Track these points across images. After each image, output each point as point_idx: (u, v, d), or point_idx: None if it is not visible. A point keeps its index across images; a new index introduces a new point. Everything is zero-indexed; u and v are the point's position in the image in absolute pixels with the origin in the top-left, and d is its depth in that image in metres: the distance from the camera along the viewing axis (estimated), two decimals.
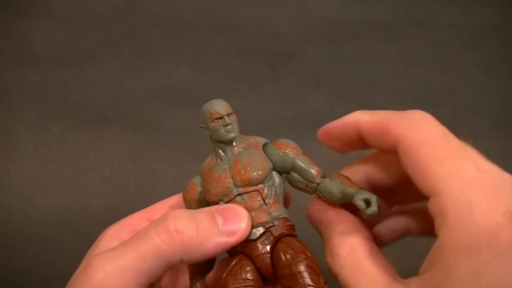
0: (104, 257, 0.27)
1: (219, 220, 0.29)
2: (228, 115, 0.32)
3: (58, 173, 0.65)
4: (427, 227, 0.32)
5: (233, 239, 0.29)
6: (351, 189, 0.30)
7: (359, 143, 0.30)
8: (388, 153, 0.28)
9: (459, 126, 0.70)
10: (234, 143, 0.32)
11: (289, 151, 0.32)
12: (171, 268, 0.28)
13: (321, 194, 0.31)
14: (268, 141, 0.33)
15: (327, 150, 0.64)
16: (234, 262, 0.30)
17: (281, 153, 0.31)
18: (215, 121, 0.31)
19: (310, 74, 0.69)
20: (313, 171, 0.31)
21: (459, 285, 0.21)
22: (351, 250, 0.27)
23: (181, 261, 0.28)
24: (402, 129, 0.26)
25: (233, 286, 0.28)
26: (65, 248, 0.58)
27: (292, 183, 0.32)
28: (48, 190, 0.64)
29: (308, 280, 0.27)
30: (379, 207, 0.28)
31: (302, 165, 0.31)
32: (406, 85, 0.70)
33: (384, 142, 0.27)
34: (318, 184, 0.31)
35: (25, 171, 0.65)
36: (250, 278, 0.29)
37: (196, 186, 0.33)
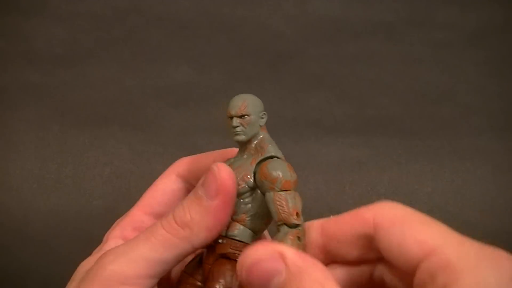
0: (116, 250, 0.28)
1: (201, 191, 0.28)
2: (239, 117, 0.30)
3: (58, 173, 0.65)
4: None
5: (218, 199, 0.28)
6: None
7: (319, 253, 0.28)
8: (353, 246, 0.26)
9: (459, 126, 0.70)
10: (247, 145, 0.30)
11: (265, 181, 0.28)
12: (186, 256, 0.29)
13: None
14: (277, 155, 0.30)
15: (327, 150, 0.65)
16: (194, 260, 0.31)
17: (259, 181, 0.29)
18: (228, 120, 0.30)
19: (310, 74, 0.69)
20: (275, 217, 0.28)
21: None
22: None
23: (195, 248, 0.28)
24: (377, 211, 0.25)
25: (183, 281, 0.30)
26: (65, 248, 0.57)
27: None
28: (48, 190, 0.64)
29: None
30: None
31: (269, 203, 0.28)
32: (406, 85, 0.70)
33: (357, 229, 0.25)
34: (277, 231, 0.28)
35: (25, 171, 0.65)
36: (198, 279, 0.30)
37: None
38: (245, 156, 0.30)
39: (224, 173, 0.28)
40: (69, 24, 0.68)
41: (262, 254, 0.23)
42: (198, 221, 0.28)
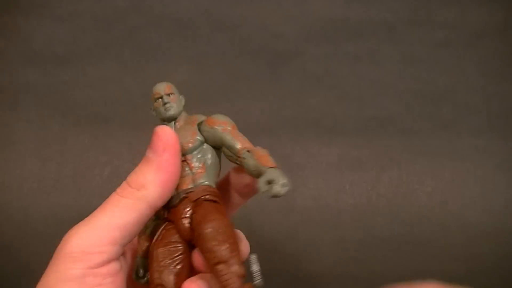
0: (77, 225, 0.29)
1: (149, 152, 0.30)
2: (168, 95, 0.34)
3: (58, 173, 0.65)
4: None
5: (166, 154, 0.30)
6: (262, 167, 0.30)
7: None
8: None
9: (459, 126, 0.70)
10: (176, 122, 0.34)
11: (217, 126, 0.33)
12: (145, 218, 0.30)
13: (244, 169, 0.31)
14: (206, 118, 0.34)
15: (327, 150, 0.65)
16: (160, 229, 0.31)
17: (210, 129, 0.33)
18: (156, 101, 0.34)
19: (310, 74, 0.69)
20: (237, 146, 0.32)
21: None
22: None
23: (153, 208, 0.30)
24: None
25: (158, 249, 0.30)
26: None
27: (227, 157, 0.33)
28: (48, 190, 0.64)
29: (213, 239, 0.28)
30: (283, 187, 0.28)
31: (228, 140, 0.32)
32: (406, 85, 0.70)
33: None
34: (243, 159, 0.31)
35: (25, 171, 0.65)
36: (173, 240, 0.31)
37: None
38: (178, 128, 0.34)
39: (167, 130, 0.31)
40: (69, 24, 0.68)
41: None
42: (152, 179, 0.30)
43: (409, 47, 0.70)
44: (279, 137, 0.68)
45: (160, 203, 0.30)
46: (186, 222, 0.31)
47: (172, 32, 0.69)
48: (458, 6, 0.70)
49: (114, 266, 0.29)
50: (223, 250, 0.27)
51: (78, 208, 0.62)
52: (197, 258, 0.30)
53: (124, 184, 0.30)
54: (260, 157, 0.30)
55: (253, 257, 0.30)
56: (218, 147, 0.33)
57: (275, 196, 0.28)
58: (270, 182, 0.28)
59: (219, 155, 0.33)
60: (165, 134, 0.30)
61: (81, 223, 0.29)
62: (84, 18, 0.68)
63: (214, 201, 0.31)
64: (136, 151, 0.66)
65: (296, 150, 0.66)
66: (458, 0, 0.70)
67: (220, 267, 0.27)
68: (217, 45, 0.69)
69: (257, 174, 0.30)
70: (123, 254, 0.30)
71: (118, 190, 0.30)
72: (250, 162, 0.31)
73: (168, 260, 0.30)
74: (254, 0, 0.69)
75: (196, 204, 0.31)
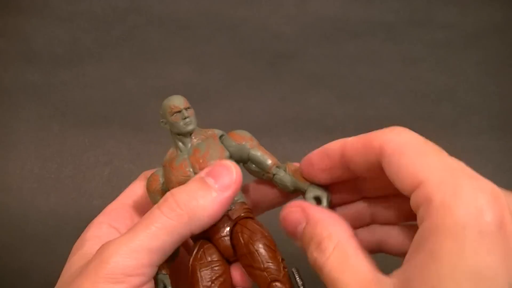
0: (116, 242, 0.28)
1: (210, 181, 0.30)
2: (186, 109, 0.33)
3: (58, 173, 0.65)
4: (394, 216, 0.33)
5: (230, 192, 0.30)
6: (302, 184, 0.33)
7: (341, 170, 0.31)
8: (370, 171, 0.28)
9: (459, 126, 0.70)
10: (192, 136, 0.34)
11: (245, 143, 0.33)
12: (182, 242, 0.30)
13: (276, 184, 0.34)
14: (225, 133, 0.35)
15: None
16: (196, 248, 0.32)
17: (237, 145, 0.33)
18: (175, 114, 0.33)
19: (310, 74, 0.69)
20: (268, 162, 0.34)
21: (440, 267, 0.22)
22: (338, 244, 0.27)
23: (192, 233, 0.30)
24: (385, 137, 0.27)
25: (201, 269, 0.30)
26: (65, 248, 0.57)
27: (250, 172, 0.34)
28: (48, 190, 0.64)
29: (265, 257, 0.29)
30: (329, 203, 0.31)
31: (258, 156, 0.33)
32: (406, 85, 0.70)
33: (368, 155, 0.28)
34: (273, 175, 0.33)
35: (25, 171, 0.65)
36: (215, 259, 0.31)
37: (158, 177, 0.34)
38: (196, 143, 0.34)
39: (238, 169, 0.31)
40: (69, 24, 0.68)
41: (290, 209, 0.30)
42: (204, 207, 0.29)
43: (409, 47, 0.70)
44: (279, 137, 0.68)
45: (199, 231, 0.30)
46: (227, 240, 0.31)
47: (172, 32, 0.69)
48: (458, 6, 0.70)
49: (149, 286, 0.29)
50: (276, 268, 0.29)
51: (78, 208, 0.62)
52: (237, 275, 0.32)
53: (170, 200, 0.30)
54: (296, 173, 0.33)
55: (295, 271, 0.31)
56: (242, 162, 0.34)
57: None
58: (317, 198, 0.31)
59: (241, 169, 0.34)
60: (235, 172, 0.31)
61: (121, 241, 0.28)
62: (84, 18, 0.68)
63: (251, 218, 0.32)
64: (136, 151, 0.66)
65: (296, 150, 0.66)
66: (458, 0, 0.70)
67: (278, 284, 0.29)
68: (217, 45, 0.69)
69: (294, 189, 0.33)
70: None
71: (163, 207, 0.29)
72: (286, 178, 0.33)
73: (212, 279, 0.30)
74: (254, 0, 0.69)
75: (237, 222, 0.31)
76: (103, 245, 0.29)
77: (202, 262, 0.31)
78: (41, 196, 0.63)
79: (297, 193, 0.34)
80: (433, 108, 0.70)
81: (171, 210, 0.29)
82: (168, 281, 0.32)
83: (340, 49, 0.70)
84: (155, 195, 0.34)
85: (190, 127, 0.33)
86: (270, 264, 0.29)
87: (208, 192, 0.30)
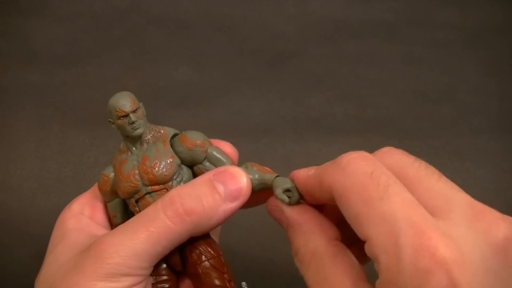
0: (116, 242, 0.27)
1: (220, 188, 0.29)
2: (134, 112, 0.31)
3: (58, 173, 0.65)
4: None
5: (237, 203, 0.29)
6: (269, 176, 0.31)
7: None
8: (332, 204, 0.27)
9: (459, 125, 0.70)
10: (142, 137, 0.32)
11: (197, 148, 0.32)
12: (181, 243, 0.29)
13: None
14: (178, 132, 0.33)
15: (327, 150, 0.65)
16: None
17: (188, 151, 0.32)
18: (121, 118, 0.31)
19: (310, 74, 0.69)
20: (226, 160, 0.32)
21: None
22: (315, 254, 0.26)
23: (191, 236, 0.29)
24: (332, 177, 0.26)
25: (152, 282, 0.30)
26: None
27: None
28: (48, 190, 0.64)
29: (211, 280, 0.29)
30: (299, 194, 0.29)
31: (216, 155, 0.32)
32: (406, 85, 0.70)
33: (323, 194, 0.27)
34: None
35: (25, 171, 0.65)
36: (160, 274, 0.30)
37: (109, 178, 0.33)
38: (146, 146, 0.32)
39: (249, 181, 0.30)
40: (69, 24, 0.68)
41: (272, 207, 0.30)
42: (210, 217, 0.28)
43: (409, 47, 0.70)
44: (279, 137, 0.68)
45: (198, 235, 0.30)
46: (175, 255, 0.30)
47: (172, 32, 0.69)
48: (458, 6, 0.70)
49: (145, 282, 0.29)
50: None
51: None
52: (185, 286, 0.31)
53: (177, 204, 0.28)
54: (261, 168, 0.31)
55: (244, 285, 0.31)
56: (196, 164, 0.32)
57: (297, 202, 0.29)
58: (287, 190, 0.30)
59: (194, 174, 0.32)
60: (246, 183, 0.30)
61: (122, 240, 0.28)
62: (84, 18, 0.68)
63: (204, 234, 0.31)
64: None
65: (296, 150, 0.66)
66: (458, 0, 0.70)
67: None
68: (217, 45, 0.69)
69: (258, 184, 0.31)
70: None
71: (169, 211, 0.28)
72: (249, 172, 0.31)
73: None
74: (254, 0, 0.69)
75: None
76: (99, 241, 0.28)
77: (152, 275, 0.30)
78: (41, 196, 0.63)
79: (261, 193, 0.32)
80: (433, 108, 0.70)
81: (176, 215, 0.28)
82: None
83: (340, 49, 0.70)
84: (106, 195, 0.33)
85: (138, 132, 0.31)
86: (216, 286, 0.29)
87: (216, 199, 0.29)
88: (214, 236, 0.33)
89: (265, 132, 0.66)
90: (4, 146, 0.66)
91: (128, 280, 0.27)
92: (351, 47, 0.70)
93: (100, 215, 0.34)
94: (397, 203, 0.22)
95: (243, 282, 0.31)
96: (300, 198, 0.29)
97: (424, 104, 0.70)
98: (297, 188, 0.29)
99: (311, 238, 0.27)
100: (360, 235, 0.23)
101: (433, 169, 0.26)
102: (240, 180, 0.29)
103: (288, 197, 0.30)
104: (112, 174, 0.32)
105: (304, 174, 0.29)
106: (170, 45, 0.69)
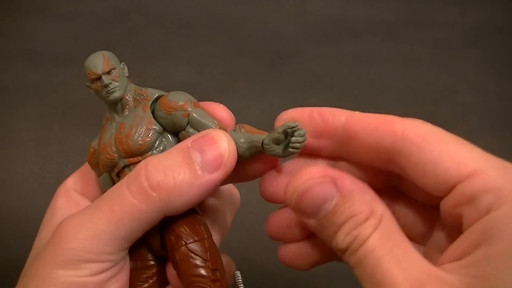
0: (74, 223, 0.24)
1: (196, 156, 0.24)
2: (107, 73, 0.27)
3: (58, 172, 0.65)
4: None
5: (219, 174, 0.24)
6: (258, 136, 0.26)
7: (333, 142, 0.25)
8: (375, 157, 0.24)
9: (459, 125, 0.70)
10: (123, 101, 0.28)
11: (177, 111, 0.27)
12: (154, 224, 0.25)
13: None
14: (163, 94, 0.28)
15: None
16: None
17: (168, 116, 0.27)
18: (94, 82, 0.28)
19: (310, 74, 0.69)
20: (212, 124, 0.26)
21: None
22: (385, 228, 0.21)
23: (165, 215, 0.25)
24: (408, 122, 0.23)
25: (130, 270, 0.27)
26: None
27: None
28: (49, 189, 0.64)
29: (191, 269, 0.24)
30: (303, 135, 0.24)
31: (198, 119, 0.26)
32: (406, 85, 0.70)
33: (383, 139, 0.23)
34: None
35: (25, 170, 0.65)
36: (143, 259, 0.27)
37: (95, 149, 0.29)
38: (127, 113, 0.28)
39: (232, 146, 0.25)
40: (70, 23, 0.68)
41: (315, 179, 0.23)
42: (182, 192, 0.24)
43: (409, 47, 0.70)
44: None
45: (176, 214, 0.25)
46: (156, 239, 0.26)
47: (173, 32, 0.69)
48: (458, 6, 0.70)
49: (116, 269, 0.25)
50: (204, 282, 0.24)
51: None
52: (172, 274, 0.27)
53: (142, 177, 0.24)
54: (251, 129, 0.27)
55: (238, 274, 0.27)
56: (180, 130, 0.27)
57: (299, 144, 0.24)
58: (285, 133, 0.24)
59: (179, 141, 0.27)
60: (229, 149, 0.24)
61: (81, 221, 0.24)
62: (84, 18, 0.68)
63: (189, 213, 0.26)
64: None
65: None
66: (458, 0, 0.70)
67: None
68: (217, 45, 0.69)
69: (248, 147, 0.26)
70: None
71: (132, 186, 0.24)
72: (238, 136, 0.26)
73: (139, 277, 0.27)
74: (254, 0, 0.69)
75: (165, 217, 0.25)
76: (61, 223, 0.24)
77: (132, 259, 0.27)
78: (41, 195, 0.63)
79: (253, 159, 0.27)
80: (433, 108, 0.69)
81: (141, 192, 0.23)
82: None
83: (340, 49, 0.70)
84: (95, 169, 0.29)
85: (114, 96, 0.27)
86: (197, 278, 0.24)
87: (189, 171, 0.24)
88: (219, 231, 0.29)
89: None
90: (4, 146, 0.66)
91: (91, 267, 0.23)
92: (351, 47, 0.70)
93: (92, 189, 0.30)
94: (483, 152, 0.22)
95: (237, 271, 0.27)
96: (304, 140, 0.24)
97: (424, 104, 0.70)
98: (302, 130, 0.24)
99: (378, 209, 0.22)
100: (454, 175, 0.21)
101: None
102: (221, 145, 0.24)
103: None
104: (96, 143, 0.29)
105: (344, 113, 0.25)
106: (170, 45, 0.69)
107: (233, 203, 0.31)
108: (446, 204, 0.22)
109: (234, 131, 0.27)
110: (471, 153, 0.21)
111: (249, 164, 0.27)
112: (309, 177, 0.23)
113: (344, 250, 0.22)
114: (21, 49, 0.67)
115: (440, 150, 0.22)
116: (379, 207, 0.22)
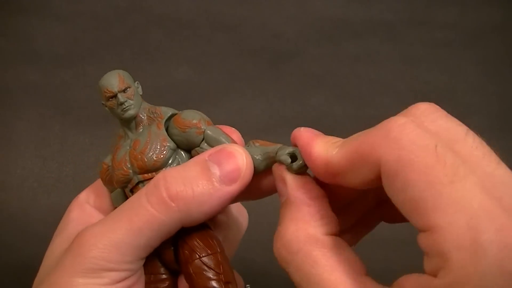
0: (95, 233, 0.25)
1: (215, 169, 0.25)
2: (123, 91, 0.28)
3: (58, 172, 0.65)
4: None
5: (236, 186, 0.25)
6: (272, 147, 0.26)
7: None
8: (368, 186, 0.22)
9: None
10: (137, 118, 0.29)
11: (191, 129, 0.28)
12: (173, 234, 0.26)
13: None
14: (176, 112, 0.29)
15: None
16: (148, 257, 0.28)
17: (182, 133, 0.28)
18: (110, 100, 0.28)
19: (310, 74, 0.69)
20: (226, 141, 0.28)
21: None
22: (304, 246, 0.22)
23: (183, 226, 0.25)
24: (382, 150, 0.20)
25: (146, 281, 0.27)
26: None
27: None
28: (49, 189, 0.64)
29: (203, 281, 0.25)
30: (303, 160, 0.25)
31: (214, 136, 0.27)
32: (405, 85, 0.70)
33: (364, 176, 0.21)
34: None
35: (25, 170, 0.65)
36: (157, 272, 0.27)
37: (107, 166, 0.30)
38: (141, 130, 0.29)
39: (249, 160, 0.25)
40: (70, 24, 0.68)
41: (276, 174, 0.25)
42: (201, 203, 0.24)
43: (409, 47, 0.70)
44: (279, 137, 0.68)
45: (192, 225, 0.25)
46: (170, 252, 0.27)
47: (173, 32, 0.69)
48: (458, 6, 0.70)
49: (134, 278, 0.26)
50: None
51: None
52: (183, 286, 0.27)
53: (161, 188, 0.25)
54: (264, 143, 0.27)
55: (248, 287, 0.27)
56: (194, 147, 0.28)
57: (300, 168, 0.25)
58: (291, 156, 0.25)
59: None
60: (246, 162, 0.25)
61: (101, 230, 0.25)
62: (84, 18, 0.68)
63: (203, 227, 0.27)
64: None
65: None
66: (458, 0, 0.70)
67: None
68: (217, 45, 0.69)
69: (263, 160, 0.26)
70: None
71: (152, 197, 0.25)
72: (252, 150, 0.27)
73: None
74: (254, 0, 0.69)
75: (179, 231, 0.26)
76: (80, 233, 0.25)
77: (147, 274, 0.27)
78: (41, 195, 0.63)
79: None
80: None
81: (160, 202, 0.24)
82: None
83: (340, 49, 0.70)
84: (107, 185, 0.30)
85: (129, 113, 0.28)
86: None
87: (208, 182, 0.25)
88: (229, 248, 0.29)
89: (265, 132, 0.66)
90: (4, 146, 0.66)
91: (110, 276, 0.24)
92: (351, 47, 0.70)
93: (105, 203, 0.31)
94: (471, 190, 0.18)
95: (247, 285, 0.28)
96: (305, 165, 0.25)
97: None
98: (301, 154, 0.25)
99: (306, 228, 0.22)
100: (419, 222, 0.19)
101: (488, 148, 0.22)
102: (238, 159, 0.25)
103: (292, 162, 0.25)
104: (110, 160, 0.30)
105: (322, 151, 0.24)
106: (170, 45, 0.69)
107: (242, 222, 0.32)
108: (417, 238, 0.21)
109: (248, 146, 0.28)
110: (437, 199, 0.18)
111: (265, 177, 0.28)
112: (277, 169, 0.25)
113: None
114: (22, 49, 0.68)
115: (408, 193, 0.19)
116: (305, 232, 0.22)
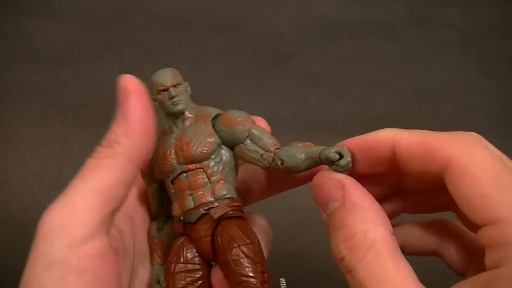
0: (55, 201, 0.25)
1: (117, 108, 0.28)
2: (174, 86, 0.29)
3: (58, 172, 0.65)
4: (428, 208, 0.29)
5: (130, 100, 0.28)
6: (315, 148, 0.27)
7: (387, 165, 0.26)
8: (426, 179, 0.25)
9: (459, 125, 0.70)
10: (184, 115, 0.30)
11: (237, 125, 0.29)
12: (131, 177, 0.26)
13: (280, 163, 0.28)
14: (221, 112, 0.31)
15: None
16: (175, 245, 0.29)
17: (228, 129, 0.29)
18: (161, 93, 0.29)
19: (310, 74, 0.69)
20: (270, 140, 0.29)
21: None
22: (375, 246, 0.22)
23: (131, 161, 0.26)
24: (454, 150, 0.23)
25: (175, 271, 0.28)
26: None
27: (244, 155, 0.29)
28: (49, 189, 0.64)
29: (242, 270, 0.26)
30: (351, 157, 0.26)
31: (257, 134, 0.29)
32: (406, 85, 0.70)
33: (429, 166, 0.23)
34: (276, 150, 0.28)
35: (25, 170, 0.65)
36: (191, 262, 0.28)
37: (149, 160, 0.30)
38: (188, 124, 0.30)
39: (127, 77, 0.28)
40: (70, 23, 0.68)
41: (329, 178, 0.26)
42: (123, 131, 0.26)
43: (409, 47, 0.70)
44: (279, 137, 0.68)
45: (141, 155, 0.26)
46: (207, 242, 0.28)
47: (173, 32, 0.69)
48: (458, 6, 0.70)
49: (101, 243, 0.24)
50: (253, 283, 0.26)
51: None
52: (216, 279, 0.28)
53: (98, 148, 0.27)
54: (306, 144, 0.28)
55: (282, 281, 0.28)
56: (237, 145, 0.29)
57: (347, 166, 0.26)
58: (338, 153, 0.26)
59: (235, 156, 0.30)
60: (124, 81, 0.28)
61: (59, 197, 0.25)
62: (84, 18, 0.68)
63: (239, 217, 0.28)
64: None
65: None
66: (458, 0, 0.70)
67: None
68: (217, 45, 0.69)
69: (305, 159, 0.27)
70: (119, 235, 0.27)
71: (93, 154, 0.27)
72: (294, 149, 0.28)
73: (185, 279, 0.28)
74: (254, 0, 0.69)
75: (219, 223, 0.28)
76: (45, 213, 0.26)
77: (177, 262, 0.28)
78: (41, 195, 0.63)
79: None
80: (433, 108, 0.70)
81: (98, 152, 0.27)
82: (162, 275, 0.30)
83: (340, 49, 0.70)
84: (147, 178, 0.31)
85: (178, 108, 0.29)
86: (246, 278, 0.26)
87: (117, 117, 0.28)
88: (264, 247, 0.30)
89: None
90: (5, 146, 0.66)
91: (72, 234, 0.24)
92: (351, 47, 0.70)
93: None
94: None
95: (282, 279, 0.29)
96: (352, 162, 0.26)
97: (424, 103, 0.70)
98: (350, 154, 0.26)
99: (373, 227, 0.23)
100: (483, 215, 0.21)
101: None
102: (121, 82, 0.28)
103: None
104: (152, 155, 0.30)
105: (398, 135, 0.25)
106: (170, 45, 0.69)
107: (268, 237, 0.33)
108: (478, 238, 0.23)
109: (291, 146, 0.28)
110: (505, 198, 0.21)
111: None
112: (323, 176, 0.26)
113: (338, 261, 0.24)
114: (21, 49, 0.68)
115: (477, 190, 0.22)
116: (376, 231, 0.23)
